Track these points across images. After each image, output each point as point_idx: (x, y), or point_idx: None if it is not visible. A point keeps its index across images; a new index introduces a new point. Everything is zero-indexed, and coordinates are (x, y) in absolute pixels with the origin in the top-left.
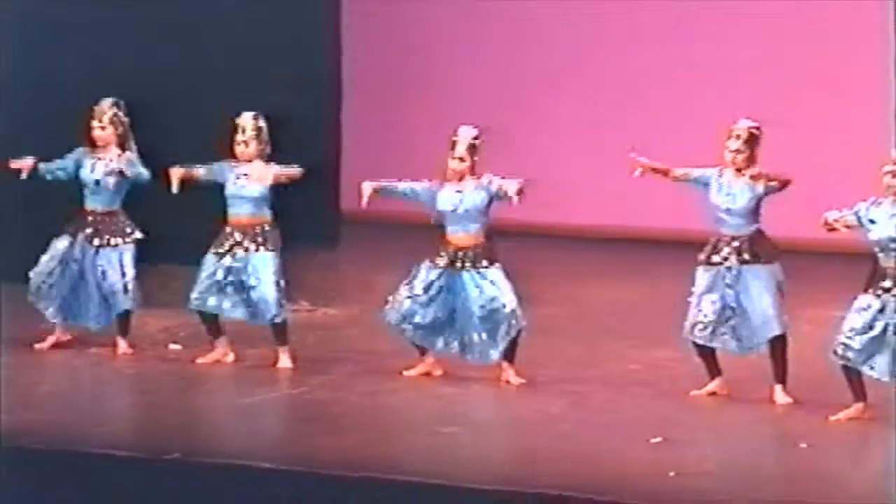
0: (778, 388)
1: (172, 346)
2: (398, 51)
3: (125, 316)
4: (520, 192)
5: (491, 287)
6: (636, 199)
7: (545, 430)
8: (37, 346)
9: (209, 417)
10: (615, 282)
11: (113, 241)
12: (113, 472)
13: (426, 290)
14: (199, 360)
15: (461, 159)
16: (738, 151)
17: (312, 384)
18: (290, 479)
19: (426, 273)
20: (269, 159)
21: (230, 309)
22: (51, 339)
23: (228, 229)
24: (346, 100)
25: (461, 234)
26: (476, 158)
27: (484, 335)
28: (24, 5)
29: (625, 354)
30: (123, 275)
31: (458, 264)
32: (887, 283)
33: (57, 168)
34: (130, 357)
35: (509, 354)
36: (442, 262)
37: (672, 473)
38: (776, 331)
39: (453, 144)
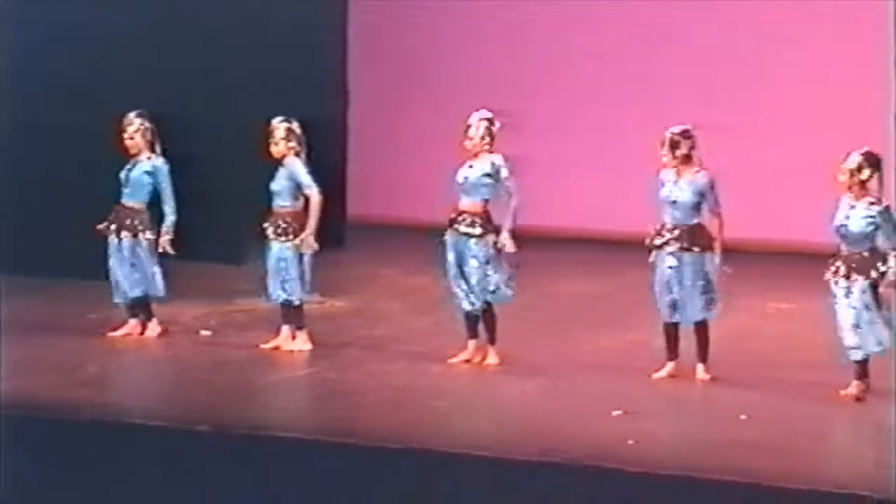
0: (700, 366)
1: (203, 332)
2: (404, 55)
3: (145, 302)
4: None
5: (473, 258)
6: (604, 205)
7: (522, 405)
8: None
9: (234, 393)
10: (582, 278)
11: (132, 235)
12: (150, 441)
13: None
14: (262, 346)
15: (470, 137)
16: (663, 154)
17: (322, 365)
18: (301, 446)
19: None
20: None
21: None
22: (125, 329)
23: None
24: (351, 104)
25: (467, 203)
26: (489, 138)
27: (464, 286)
28: (27, 6)
29: (591, 340)
30: (134, 266)
31: (460, 227)
32: (837, 263)
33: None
34: (166, 341)
35: (491, 338)
36: (451, 226)
37: (631, 441)
38: (697, 317)
39: (467, 128)
